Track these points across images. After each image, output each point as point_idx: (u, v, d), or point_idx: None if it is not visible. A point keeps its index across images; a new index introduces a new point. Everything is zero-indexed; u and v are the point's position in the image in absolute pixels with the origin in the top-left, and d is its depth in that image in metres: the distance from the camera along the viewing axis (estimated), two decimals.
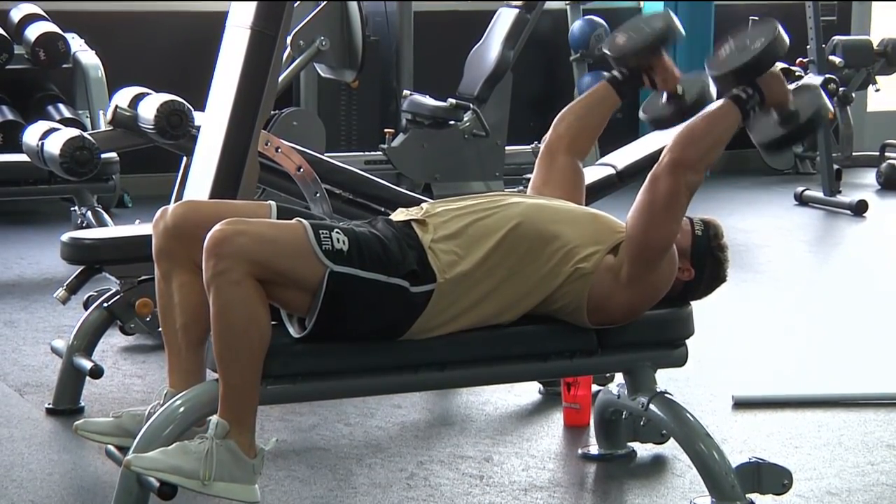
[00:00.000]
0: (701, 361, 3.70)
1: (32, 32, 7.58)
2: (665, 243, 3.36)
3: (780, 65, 3.45)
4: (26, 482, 3.70)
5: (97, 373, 4.20)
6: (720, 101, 3.37)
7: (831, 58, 8.32)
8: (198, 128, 4.82)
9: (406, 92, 7.46)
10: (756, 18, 7.55)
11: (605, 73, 3.74)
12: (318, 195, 4.42)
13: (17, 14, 7.77)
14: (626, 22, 3.73)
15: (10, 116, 7.57)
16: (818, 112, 3.41)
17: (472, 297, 3.29)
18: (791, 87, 3.41)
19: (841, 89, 8.12)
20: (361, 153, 7.37)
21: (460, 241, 3.30)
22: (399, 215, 3.42)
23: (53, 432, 4.12)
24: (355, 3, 6.23)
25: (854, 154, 8.82)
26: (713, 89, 3.56)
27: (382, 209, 4.61)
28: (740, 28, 3.43)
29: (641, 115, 3.66)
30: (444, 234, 3.31)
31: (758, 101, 3.34)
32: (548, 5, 7.59)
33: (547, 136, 3.71)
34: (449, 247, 3.29)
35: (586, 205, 3.64)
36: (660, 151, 3.34)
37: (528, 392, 4.44)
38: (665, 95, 3.63)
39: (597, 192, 5.35)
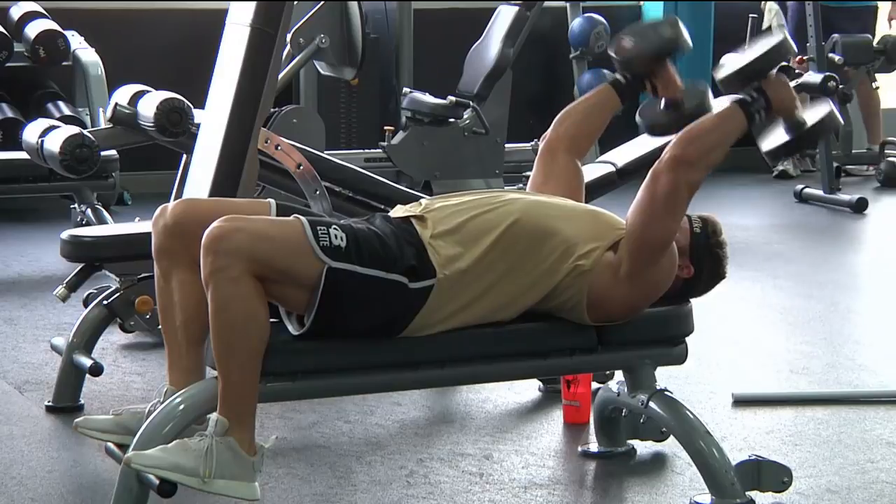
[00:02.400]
0: (700, 359, 3.70)
1: (32, 30, 7.58)
2: (664, 240, 3.36)
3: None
4: (26, 479, 3.70)
5: (97, 370, 4.20)
6: (726, 104, 3.38)
7: (831, 55, 8.31)
8: (197, 125, 4.82)
9: (406, 89, 7.46)
10: (755, 16, 7.57)
11: (608, 73, 3.73)
12: (317, 193, 4.43)
13: (16, 12, 7.77)
14: (634, 24, 3.72)
15: (9, 114, 7.57)
16: (826, 121, 3.41)
17: (471, 293, 3.29)
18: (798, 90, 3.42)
19: (840, 87, 8.11)
20: (361, 151, 7.37)
21: (459, 237, 3.30)
22: (397, 212, 3.42)
23: (53, 430, 4.13)
24: (355, 1, 6.22)
25: (854, 152, 8.82)
26: (712, 100, 3.56)
27: (382, 207, 4.61)
28: (751, 31, 3.46)
29: (638, 119, 3.65)
30: (444, 229, 3.30)
31: (763, 106, 3.35)
32: (547, 3, 7.58)
33: (547, 135, 3.71)
34: (448, 243, 3.29)
35: (586, 203, 3.64)
36: (660, 149, 3.34)
37: (528, 390, 4.44)
38: (664, 103, 3.62)
39: (596, 189, 5.36)
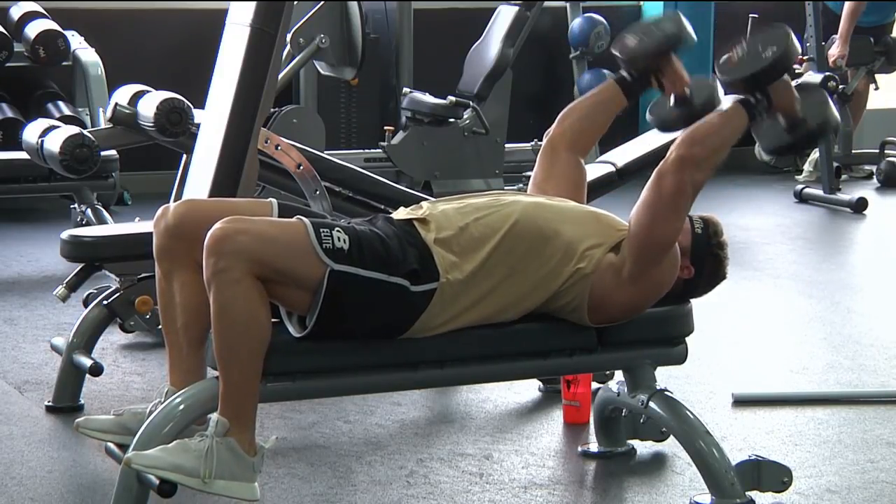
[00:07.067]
0: (700, 359, 3.70)
1: (32, 30, 7.58)
2: (668, 240, 3.36)
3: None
4: (26, 480, 3.70)
5: (97, 370, 4.20)
6: (728, 104, 3.38)
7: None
8: (197, 125, 4.82)
9: (406, 89, 7.46)
10: (756, 15, 7.57)
11: (611, 74, 3.71)
12: (317, 193, 4.43)
13: (16, 12, 7.77)
14: (637, 23, 3.72)
15: (9, 114, 7.57)
16: (825, 121, 3.43)
17: (473, 295, 3.29)
18: (796, 89, 3.41)
19: (840, 87, 8.12)
20: (361, 151, 7.37)
21: (462, 239, 3.30)
22: (400, 214, 3.41)
23: (53, 430, 4.13)
24: (355, 1, 6.23)
25: (854, 152, 8.82)
26: (721, 94, 3.56)
27: (382, 207, 4.61)
28: (751, 30, 3.45)
29: (648, 117, 3.65)
30: (447, 233, 3.30)
31: (765, 107, 3.36)
32: (547, 3, 7.59)
33: (550, 130, 3.70)
34: (451, 246, 3.28)
35: (587, 203, 3.64)
36: (660, 149, 3.35)
37: (528, 390, 4.44)
38: (672, 99, 3.61)
39: (597, 189, 5.36)
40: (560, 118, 3.69)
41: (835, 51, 8.30)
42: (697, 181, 3.29)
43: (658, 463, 3.85)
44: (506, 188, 6.50)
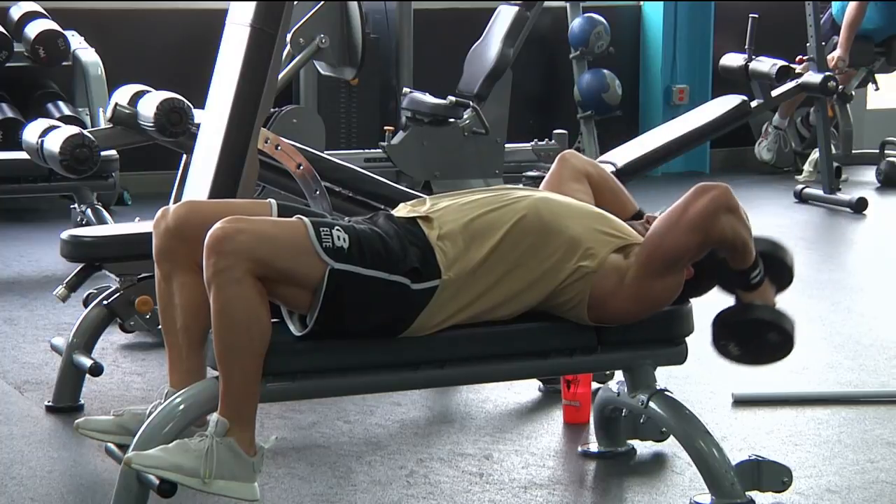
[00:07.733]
0: (701, 359, 3.70)
1: (32, 30, 7.57)
2: (675, 254, 3.33)
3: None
4: (26, 480, 3.70)
5: (97, 370, 4.20)
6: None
7: (831, 56, 8.30)
8: (197, 125, 4.82)
9: (406, 89, 7.46)
10: (756, 15, 7.57)
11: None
12: (317, 193, 4.42)
13: (16, 12, 7.77)
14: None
15: (9, 114, 7.56)
16: (781, 334, 3.51)
17: (474, 291, 3.29)
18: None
19: (840, 87, 8.11)
20: (361, 151, 7.37)
21: (466, 236, 3.30)
22: (401, 210, 3.41)
23: (53, 430, 4.13)
24: (355, 1, 6.23)
25: (854, 152, 8.81)
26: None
27: (382, 207, 4.60)
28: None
29: None
30: (450, 229, 3.30)
31: (760, 275, 3.42)
32: (547, 3, 7.58)
33: (580, 157, 3.72)
34: (454, 242, 3.28)
35: None
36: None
37: (528, 390, 4.45)
38: None
39: None
40: (595, 163, 3.75)
41: (835, 55, 8.31)
42: (719, 222, 3.29)
43: (658, 463, 3.85)
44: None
